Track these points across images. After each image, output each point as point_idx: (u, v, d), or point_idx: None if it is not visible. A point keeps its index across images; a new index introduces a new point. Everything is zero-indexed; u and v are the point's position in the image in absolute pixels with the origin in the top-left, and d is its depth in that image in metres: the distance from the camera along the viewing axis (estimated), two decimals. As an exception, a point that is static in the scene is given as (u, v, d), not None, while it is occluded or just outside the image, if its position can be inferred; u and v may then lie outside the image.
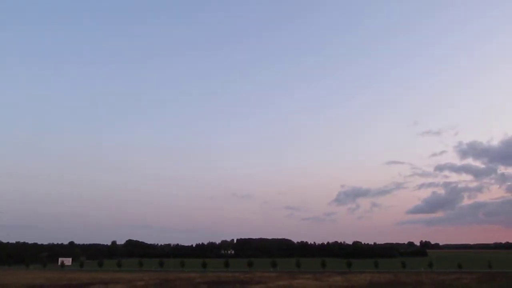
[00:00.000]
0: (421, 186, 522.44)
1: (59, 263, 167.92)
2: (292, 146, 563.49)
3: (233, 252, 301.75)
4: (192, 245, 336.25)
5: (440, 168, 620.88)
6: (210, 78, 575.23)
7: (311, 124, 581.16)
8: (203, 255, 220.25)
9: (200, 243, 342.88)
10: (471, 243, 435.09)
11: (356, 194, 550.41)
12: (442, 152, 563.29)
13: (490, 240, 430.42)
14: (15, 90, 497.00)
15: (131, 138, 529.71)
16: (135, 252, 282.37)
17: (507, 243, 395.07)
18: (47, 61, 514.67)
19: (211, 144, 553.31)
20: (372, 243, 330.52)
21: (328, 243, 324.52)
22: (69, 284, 63.66)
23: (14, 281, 71.97)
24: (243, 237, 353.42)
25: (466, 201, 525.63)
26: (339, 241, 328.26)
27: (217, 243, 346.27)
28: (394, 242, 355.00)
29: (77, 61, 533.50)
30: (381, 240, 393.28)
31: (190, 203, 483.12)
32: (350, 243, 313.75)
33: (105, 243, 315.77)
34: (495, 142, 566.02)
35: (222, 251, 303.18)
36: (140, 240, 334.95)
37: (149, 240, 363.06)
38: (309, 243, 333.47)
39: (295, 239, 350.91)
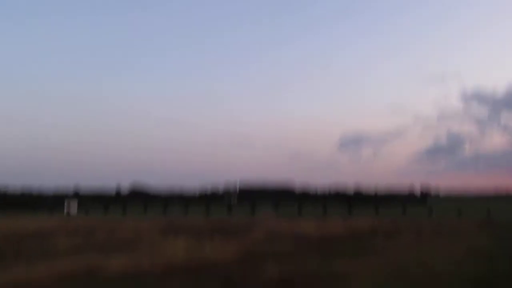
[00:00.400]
0: (424, 133, 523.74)
1: (64, 209, 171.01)
2: (294, 92, 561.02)
3: (236, 196, 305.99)
4: (195, 191, 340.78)
5: (443, 115, 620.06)
6: (211, 26, 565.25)
7: (314, 70, 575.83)
8: (207, 200, 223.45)
9: (204, 188, 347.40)
10: (472, 190, 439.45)
11: (358, 140, 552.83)
12: (445, 99, 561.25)
13: (491, 188, 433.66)
14: (15, 39, 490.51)
15: (133, 85, 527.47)
16: (140, 197, 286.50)
17: (507, 191, 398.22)
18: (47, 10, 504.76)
19: (214, 89, 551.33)
20: (374, 189, 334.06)
21: (329, 189, 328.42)
22: (76, 229, 64.80)
23: (20, 227, 73.34)
24: (246, 183, 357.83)
25: (468, 149, 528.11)
26: (340, 187, 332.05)
27: (221, 188, 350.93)
28: (396, 188, 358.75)
29: (77, 8, 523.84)
30: (382, 187, 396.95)
31: (193, 148, 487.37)
32: (352, 188, 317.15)
33: (110, 189, 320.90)
34: (500, 90, 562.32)
35: (225, 196, 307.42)
36: (144, 186, 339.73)
37: (153, 185, 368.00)
38: (310, 188, 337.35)
39: (297, 184, 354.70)
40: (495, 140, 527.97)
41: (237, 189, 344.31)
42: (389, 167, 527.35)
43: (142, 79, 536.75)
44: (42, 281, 22.11)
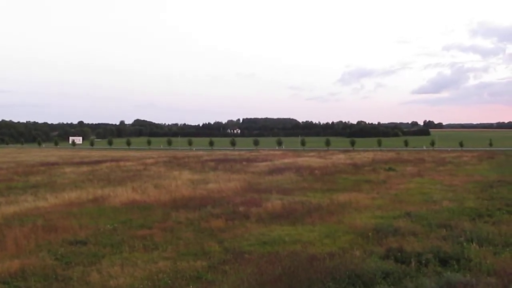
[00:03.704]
0: (427, 66, 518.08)
1: (70, 142, 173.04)
2: (297, 25, 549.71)
3: (239, 131, 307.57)
4: (199, 125, 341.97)
5: (447, 47, 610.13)
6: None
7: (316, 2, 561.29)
8: (210, 134, 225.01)
9: (207, 122, 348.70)
10: (474, 122, 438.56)
11: (361, 74, 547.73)
12: (451, 31, 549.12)
13: (493, 120, 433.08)
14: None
15: (136, 17, 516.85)
16: (143, 131, 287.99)
17: (510, 122, 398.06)
18: None
19: (215, 24, 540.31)
20: (376, 123, 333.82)
21: (332, 122, 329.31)
22: (81, 161, 65.95)
23: (28, 159, 74.65)
24: (248, 117, 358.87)
25: (471, 81, 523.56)
26: (343, 121, 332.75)
27: (224, 122, 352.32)
28: (398, 121, 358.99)
29: None
30: (385, 120, 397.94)
31: (196, 83, 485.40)
32: (354, 122, 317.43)
33: (114, 123, 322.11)
34: (506, 21, 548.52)
35: (229, 130, 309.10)
36: (148, 120, 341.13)
37: (156, 120, 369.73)
38: (313, 122, 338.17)
39: (300, 118, 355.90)
40: (498, 72, 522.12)
41: (241, 122, 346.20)
42: (392, 100, 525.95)
43: (144, 11, 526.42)
44: (51, 209, 22.87)
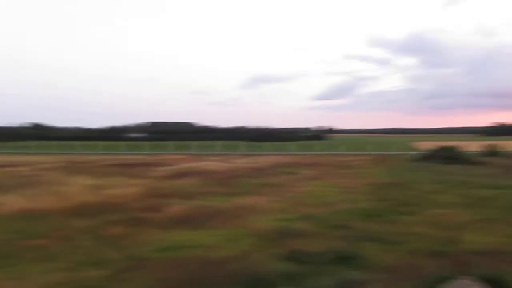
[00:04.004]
0: (327, 73, 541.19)
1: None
2: (198, 28, 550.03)
3: (140, 135, 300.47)
4: (99, 128, 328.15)
5: (345, 56, 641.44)
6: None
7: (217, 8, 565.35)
8: (113, 138, 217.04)
9: (107, 126, 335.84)
10: (369, 128, 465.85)
11: (263, 79, 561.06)
12: (349, 41, 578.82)
13: (386, 126, 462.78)
14: None
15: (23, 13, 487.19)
16: (41, 134, 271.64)
17: (401, 128, 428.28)
18: None
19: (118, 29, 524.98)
20: (278, 127, 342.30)
21: (235, 126, 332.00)
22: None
23: None
24: (150, 121, 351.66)
25: (367, 89, 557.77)
26: (245, 126, 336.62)
27: (124, 126, 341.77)
28: (298, 126, 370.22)
29: None
30: (286, 125, 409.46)
31: (100, 85, 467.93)
32: (257, 127, 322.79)
33: (9, 125, 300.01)
34: (399, 34, 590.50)
35: (130, 135, 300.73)
36: (46, 122, 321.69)
37: (55, 123, 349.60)
38: (216, 127, 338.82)
39: (202, 122, 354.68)
40: (391, 81, 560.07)
41: (142, 127, 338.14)
42: (293, 106, 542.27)
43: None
44: None
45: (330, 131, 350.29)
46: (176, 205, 24.58)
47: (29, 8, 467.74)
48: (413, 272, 12.02)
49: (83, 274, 12.69)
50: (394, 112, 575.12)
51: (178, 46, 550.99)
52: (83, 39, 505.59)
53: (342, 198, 27.87)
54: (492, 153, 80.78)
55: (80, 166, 58.35)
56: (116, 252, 15.41)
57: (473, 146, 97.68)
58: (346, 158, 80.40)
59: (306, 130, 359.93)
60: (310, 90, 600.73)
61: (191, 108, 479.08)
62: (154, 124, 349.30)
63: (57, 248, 15.78)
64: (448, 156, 64.00)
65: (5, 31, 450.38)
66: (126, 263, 13.86)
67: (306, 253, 13.91)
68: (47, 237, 17.56)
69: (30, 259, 14.36)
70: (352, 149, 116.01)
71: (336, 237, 16.51)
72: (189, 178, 40.91)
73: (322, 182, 38.25)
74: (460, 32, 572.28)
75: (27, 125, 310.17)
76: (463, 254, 14.09)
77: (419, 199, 27.20)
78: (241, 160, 72.10)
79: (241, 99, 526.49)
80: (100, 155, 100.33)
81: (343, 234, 16.95)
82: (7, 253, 15.09)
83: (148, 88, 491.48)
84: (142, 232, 18.50)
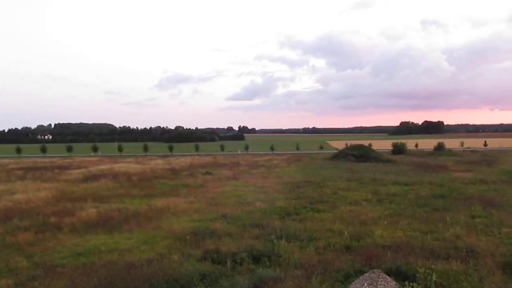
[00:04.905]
0: (241, 74, 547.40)
1: None
2: (112, 26, 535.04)
3: (50, 137, 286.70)
4: (4, 130, 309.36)
5: (259, 57, 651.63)
6: None
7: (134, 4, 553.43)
8: (17, 141, 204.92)
9: (13, 128, 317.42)
10: (283, 128, 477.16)
11: (178, 79, 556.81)
12: (262, 42, 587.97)
13: (300, 126, 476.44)
14: None
15: None
16: None
17: (314, 128, 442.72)
18: None
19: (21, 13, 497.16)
20: (194, 128, 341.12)
21: (150, 127, 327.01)
22: None
23: None
24: (61, 122, 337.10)
25: (280, 90, 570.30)
26: (161, 126, 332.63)
27: (33, 128, 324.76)
28: (215, 127, 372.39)
29: None
30: (202, 125, 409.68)
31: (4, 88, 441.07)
32: (172, 127, 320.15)
33: None
34: (309, 36, 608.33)
35: (39, 136, 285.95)
36: None
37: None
38: (131, 127, 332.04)
39: (117, 123, 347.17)
40: (303, 82, 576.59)
41: (52, 128, 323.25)
42: (209, 106, 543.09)
43: None
44: None
45: (246, 131, 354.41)
46: (90, 209, 23.76)
47: None
48: (326, 267, 12.39)
49: (-14, 285, 11.87)
50: (308, 112, 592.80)
51: (92, 44, 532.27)
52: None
53: (259, 197, 28.24)
54: (400, 151, 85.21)
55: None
56: (25, 259, 14.56)
57: (383, 144, 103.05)
58: (262, 157, 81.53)
59: (223, 130, 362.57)
60: (226, 90, 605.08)
61: (104, 108, 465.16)
62: (65, 125, 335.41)
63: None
64: (360, 154, 66.94)
65: None
66: (35, 272, 13.15)
67: (222, 252, 13.93)
68: None
69: None
70: (268, 148, 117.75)
71: (252, 236, 16.69)
72: (103, 180, 39.65)
73: (239, 182, 38.55)
74: (368, 35, 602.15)
75: None
76: (372, 248, 14.75)
77: (332, 196, 28.22)
78: (157, 161, 70.94)
79: (156, 100, 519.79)
80: (5, 159, 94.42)
81: (259, 233, 17.16)
82: None
83: (58, 87, 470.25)
84: (54, 237, 17.65)
